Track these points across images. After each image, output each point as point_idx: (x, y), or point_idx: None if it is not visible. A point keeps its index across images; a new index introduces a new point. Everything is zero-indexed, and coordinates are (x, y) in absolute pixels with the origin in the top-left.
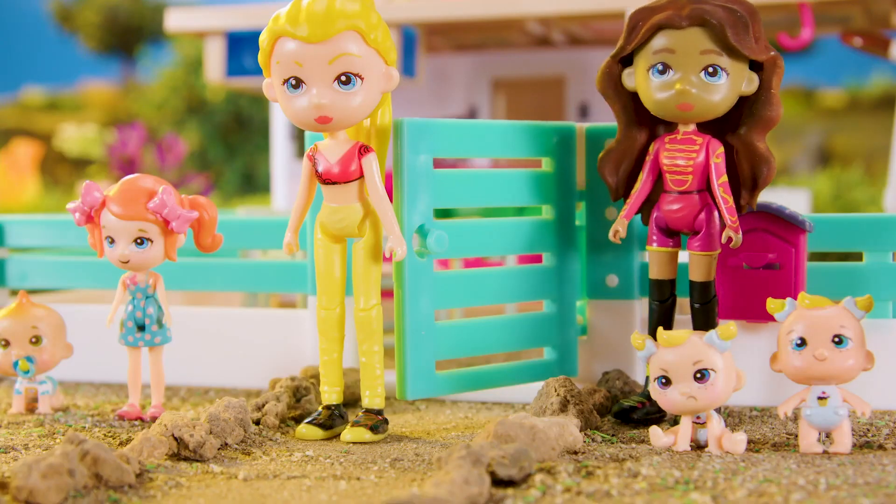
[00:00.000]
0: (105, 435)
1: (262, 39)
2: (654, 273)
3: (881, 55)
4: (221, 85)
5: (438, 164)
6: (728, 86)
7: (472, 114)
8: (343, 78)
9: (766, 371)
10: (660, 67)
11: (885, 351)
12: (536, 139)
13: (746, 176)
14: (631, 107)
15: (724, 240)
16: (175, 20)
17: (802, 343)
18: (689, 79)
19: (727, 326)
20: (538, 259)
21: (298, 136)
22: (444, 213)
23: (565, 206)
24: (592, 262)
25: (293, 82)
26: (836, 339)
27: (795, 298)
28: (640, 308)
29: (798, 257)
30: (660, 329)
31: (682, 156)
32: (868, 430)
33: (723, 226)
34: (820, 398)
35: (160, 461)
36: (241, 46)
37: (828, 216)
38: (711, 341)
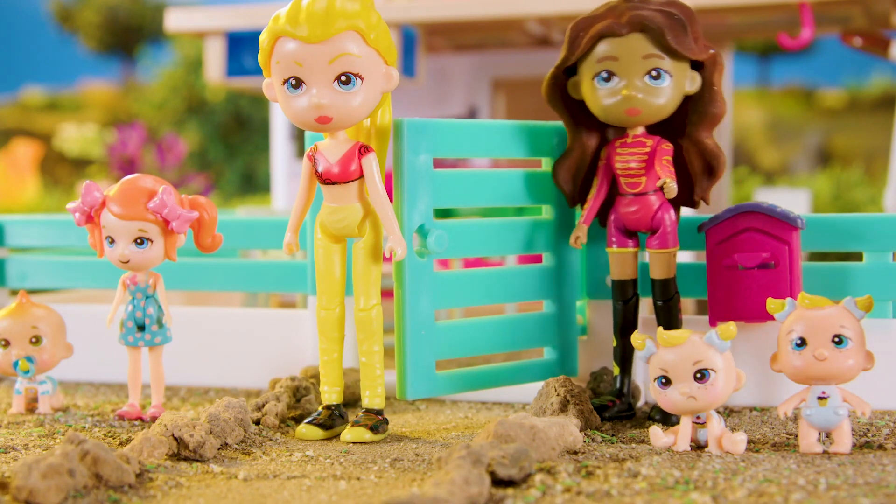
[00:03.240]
0: (105, 435)
1: (262, 39)
2: (616, 274)
3: (881, 55)
4: (221, 85)
5: (438, 164)
6: (672, 87)
7: (472, 114)
8: (343, 78)
9: (766, 371)
10: (604, 75)
11: (885, 351)
12: (536, 139)
13: (698, 172)
14: (579, 115)
15: (659, 184)
16: (175, 20)
17: (802, 343)
18: (635, 84)
19: (727, 326)
20: (538, 259)
21: (298, 136)
22: (444, 213)
23: (565, 206)
24: (592, 262)
25: (293, 82)
26: (836, 339)
27: (792, 296)
28: (641, 308)
29: (792, 255)
30: (660, 329)
31: (633, 159)
32: (868, 430)
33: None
34: (820, 398)
35: (160, 461)
36: (241, 46)
37: (827, 216)
38: (711, 341)
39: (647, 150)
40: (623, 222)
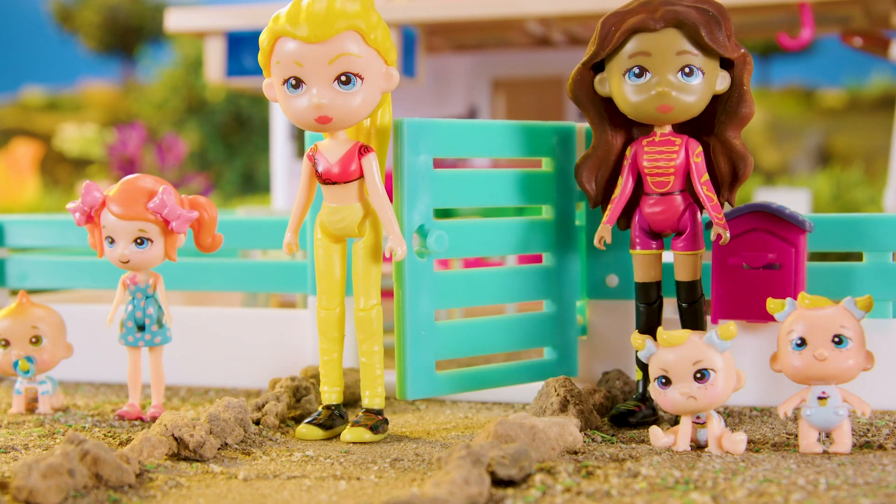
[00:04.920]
0: (105, 435)
1: (262, 39)
2: (640, 276)
3: (881, 55)
4: (221, 85)
5: (438, 164)
6: (703, 85)
7: (472, 114)
8: (343, 78)
9: (766, 371)
10: (636, 71)
11: (885, 351)
12: (536, 139)
13: (724, 173)
14: (605, 112)
15: (713, 237)
16: (175, 20)
17: (802, 343)
18: (668, 80)
19: (727, 326)
20: (538, 259)
21: (298, 136)
22: (444, 213)
23: (565, 206)
24: (592, 262)
25: (293, 82)
26: (836, 339)
27: (795, 299)
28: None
29: (798, 257)
30: (660, 329)
31: (662, 157)
32: (868, 430)
33: (709, 224)
34: (820, 398)
35: (160, 461)
36: (241, 46)
37: (828, 216)
38: (711, 341)
39: (676, 148)
40: (648, 223)
